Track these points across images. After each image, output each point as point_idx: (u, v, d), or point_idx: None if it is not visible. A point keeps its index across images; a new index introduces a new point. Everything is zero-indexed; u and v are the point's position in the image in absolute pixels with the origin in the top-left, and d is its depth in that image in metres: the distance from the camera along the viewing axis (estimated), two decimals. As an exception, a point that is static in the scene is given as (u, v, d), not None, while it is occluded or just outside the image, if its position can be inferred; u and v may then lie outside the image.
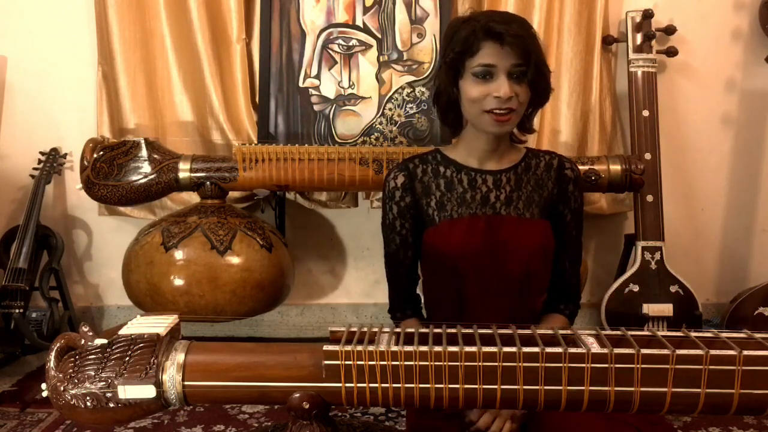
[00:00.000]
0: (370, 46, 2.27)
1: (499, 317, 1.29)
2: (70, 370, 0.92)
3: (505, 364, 0.87)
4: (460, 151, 1.38)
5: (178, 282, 1.91)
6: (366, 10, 2.27)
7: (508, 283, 1.33)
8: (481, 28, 1.23)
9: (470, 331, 0.93)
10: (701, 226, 2.56)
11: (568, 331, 0.93)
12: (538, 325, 1.37)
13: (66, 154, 2.45)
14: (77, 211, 2.52)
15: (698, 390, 0.86)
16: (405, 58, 2.27)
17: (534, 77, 1.24)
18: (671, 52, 2.32)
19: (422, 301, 1.47)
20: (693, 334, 0.90)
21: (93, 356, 0.93)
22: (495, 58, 1.22)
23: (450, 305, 1.38)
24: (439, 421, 1.24)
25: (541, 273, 1.37)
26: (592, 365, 0.86)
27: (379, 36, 2.27)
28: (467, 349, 0.88)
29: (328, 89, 2.27)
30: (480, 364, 0.87)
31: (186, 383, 0.92)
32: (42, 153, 2.39)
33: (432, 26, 2.26)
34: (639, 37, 2.29)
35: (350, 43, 2.27)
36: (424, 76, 2.25)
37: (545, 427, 1.22)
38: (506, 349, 0.87)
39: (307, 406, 0.91)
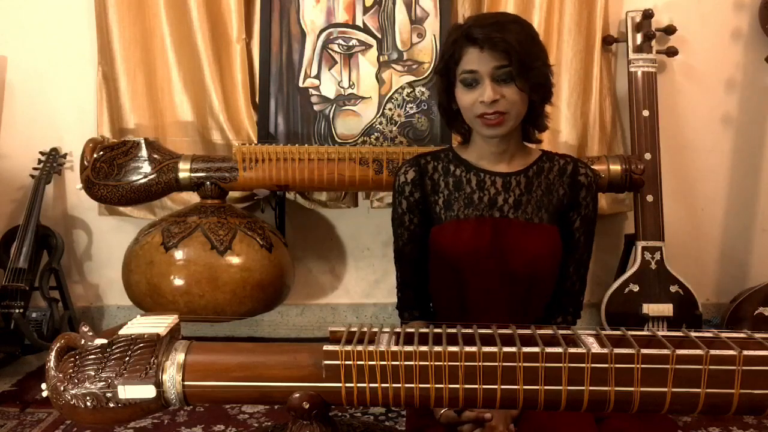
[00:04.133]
0: (370, 46, 2.27)
1: (502, 321, 1.29)
2: (70, 370, 0.92)
3: (505, 364, 0.87)
4: (473, 151, 1.37)
5: (178, 282, 1.91)
6: (366, 10, 2.27)
7: (513, 287, 1.32)
8: (462, 35, 1.24)
9: (470, 331, 0.93)
10: (701, 226, 2.56)
11: (568, 331, 0.93)
12: None
13: (66, 154, 2.45)
14: (77, 211, 2.52)
15: (698, 390, 0.86)
16: (405, 58, 2.27)
17: (520, 74, 1.22)
18: (671, 52, 2.32)
19: (430, 299, 1.46)
20: (693, 334, 0.90)
21: (93, 356, 0.93)
22: (476, 64, 1.23)
23: (453, 306, 1.37)
24: (439, 424, 1.24)
25: (548, 279, 1.36)
26: (592, 365, 0.86)
27: (379, 36, 2.27)
28: (467, 349, 0.88)
29: (328, 89, 2.27)
30: (480, 364, 0.87)
31: (186, 383, 0.92)
32: (42, 153, 2.39)
33: (432, 26, 2.26)
34: (639, 37, 2.29)
35: (350, 43, 2.27)
36: (424, 76, 2.25)
37: (536, 427, 1.22)
38: (506, 349, 0.87)
39: (307, 406, 0.91)
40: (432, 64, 2.25)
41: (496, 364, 0.87)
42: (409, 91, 2.26)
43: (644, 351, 0.86)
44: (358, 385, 0.90)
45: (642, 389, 0.86)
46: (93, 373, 0.91)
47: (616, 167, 2.02)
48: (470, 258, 1.30)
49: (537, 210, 1.33)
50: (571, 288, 1.39)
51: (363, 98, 2.27)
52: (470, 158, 1.37)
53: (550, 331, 0.92)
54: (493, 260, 1.30)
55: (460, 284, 1.34)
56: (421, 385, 0.89)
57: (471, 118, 1.28)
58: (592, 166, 1.98)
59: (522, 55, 1.21)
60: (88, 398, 0.90)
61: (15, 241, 2.29)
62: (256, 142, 2.25)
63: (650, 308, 2.16)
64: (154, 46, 2.31)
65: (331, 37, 2.27)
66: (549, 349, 0.87)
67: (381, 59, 2.27)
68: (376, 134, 2.26)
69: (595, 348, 0.87)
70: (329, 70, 2.27)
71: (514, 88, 1.23)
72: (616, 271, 2.38)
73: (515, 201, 1.33)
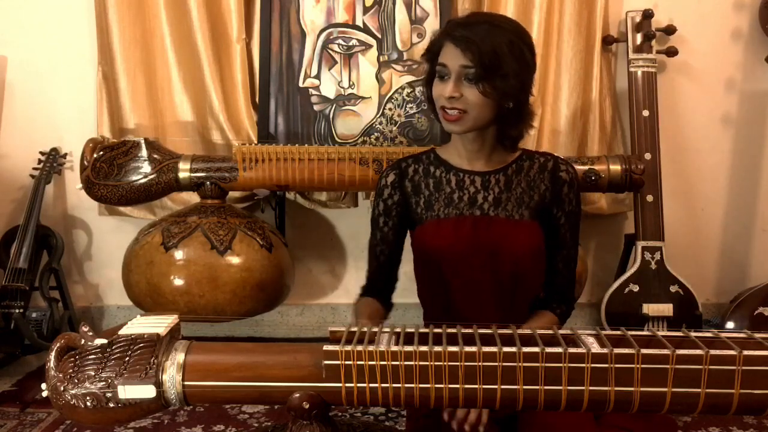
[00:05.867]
0: (370, 46, 2.27)
1: (486, 318, 1.29)
2: (70, 370, 0.92)
3: (505, 364, 0.87)
4: (452, 151, 1.40)
5: (178, 282, 1.91)
6: (366, 10, 2.27)
7: (497, 284, 1.33)
8: (444, 30, 1.29)
9: (470, 331, 0.93)
10: (701, 226, 2.56)
11: (568, 331, 0.93)
12: (527, 322, 1.37)
13: (66, 154, 2.45)
14: (77, 211, 2.52)
15: (698, 390, 0.86)
16: (405, 58, 2.27)
17: (483, 78, 1.23)
18: (671, 52, 2.32)
19: (393, 291, 1.50)
20: (693, 334, 0.90)
21: (93, 356, 0.93)
22: (448, 59, 1.26)
23: (438, 303, 1.40)
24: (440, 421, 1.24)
25: (530, 274, 1.36)
26: (592, 365, 0.86)
27: (379, 36, 2.27)
28: (467, 349, 0.88)
29: (328, 89, 2.27)
30: (480, 364, 0.87)
31: (186, 383, 0.92)
32: (42, 153, 2.39)
33: (432, 26, 2.26)
34: (639, 37, 2.29)
35: (350, 43, 2.27)
36: (424, 76, 2.25)
37: (535, 425, 1.22)
38: (506, 349, 0.87)
39: (307, 406, 0.91)
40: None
41: (496, 364, 0.87)
42: (409, 91, 2.26)
43: (644, 351, 0.86)
44: (358, 385, 0.90)
45: (642, 389, 0.86)
46: (93, 373, 0.91)
47: (616, 167, 2.02)
48: (452, 256, 1.32)
49: (517, 207, 1.34)
50: (562, 283, 1.40)
51: (363, 98, 2.27)
52: (450, 158, 1.39)
53: (550, 331, 0.92)
54: (474, 257, 1.32)
55: (444, 283, 1.35)
56: (421, 385, 0.89)
57: (438, 109, 1.31)
58: (592, 166, 2.02)
59: (488, 61, 1.22)
60: (88, 398, 0.90)
61: (15, 241, 2.29)
62: (256, 142, 2.25)
63: (650, 308, 2.16)
64: (154, 46, 2.31)
65: (331, 37, 2.27)
66: (549, 349, 0.87)
67: (381, 59, 2.27)
68: (376, 134, 2.26)
69: (595, 348, 0.87)
70: (329, 70, 2.27)
71: (476, 90, 1.24)
72: (616, 271, 2.38)
73: (495, 199, 1.35)
